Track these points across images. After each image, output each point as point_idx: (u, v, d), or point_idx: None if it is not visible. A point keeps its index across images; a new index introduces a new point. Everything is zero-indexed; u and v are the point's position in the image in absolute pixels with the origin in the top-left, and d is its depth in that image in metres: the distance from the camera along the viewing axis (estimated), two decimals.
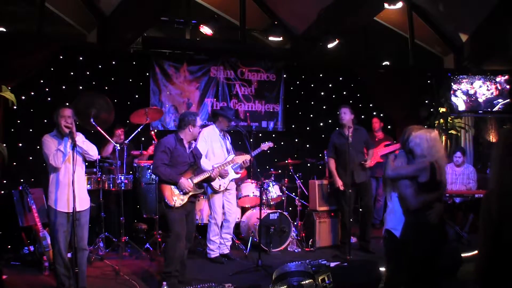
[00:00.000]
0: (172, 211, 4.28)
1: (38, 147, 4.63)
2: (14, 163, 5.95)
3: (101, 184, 5.48)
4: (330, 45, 7.14)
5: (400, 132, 6.52)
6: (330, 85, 7.99)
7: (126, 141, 5.51)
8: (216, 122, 5.50)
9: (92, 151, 4.13)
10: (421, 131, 3.56)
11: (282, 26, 7.71)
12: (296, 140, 7.78)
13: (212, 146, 5.37)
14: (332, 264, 4.32)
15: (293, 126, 7.78)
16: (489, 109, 8.09)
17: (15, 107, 5.70)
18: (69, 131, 3.89)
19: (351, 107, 5.85)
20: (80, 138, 4.03)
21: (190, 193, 4.37)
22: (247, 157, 5.26)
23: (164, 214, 4.37)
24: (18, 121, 6.09)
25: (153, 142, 6.06)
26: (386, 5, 6.49)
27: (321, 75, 7.96)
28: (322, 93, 7.94)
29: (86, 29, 7.07)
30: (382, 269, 4.27)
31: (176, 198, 4.27)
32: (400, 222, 3.54)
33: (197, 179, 4.44)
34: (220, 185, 5.33)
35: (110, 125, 5.46)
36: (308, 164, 7.28)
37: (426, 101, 8.15)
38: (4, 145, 5.02)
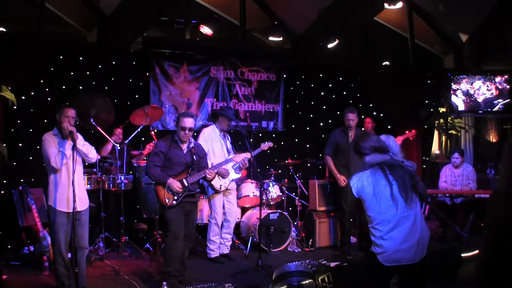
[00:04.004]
0: (167, 210, 4.31)
1: (38, 147, 4.64)
2: (14, 163, 5.95)
3: (101, 184, 5.47)
4: (330, 45, 7.15)
5: (400, 133, 6.60)
6: (330, 85, 7.98)
7: (126, 141, 5.50)
8: (216, 122, 5.50)
9: (92, 154, 4.13)
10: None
11: (282, 26, 7.72)
12: (296, 140, 7.77)
13: (213, 146, 5.36)
14: (332, 264, 4.33)
15: (293, 126, 7.77)
16: (489, 109, 8.07)
17: (15, 107, 5.70)
18: (69, 132, 3.89)
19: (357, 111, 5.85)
20: (80, 142, 4.02)
21: (185, 193, 4.37)
22: (247, 155, 5.22)
23: (162, 214, 4.42)
24: (18, 121, 6.09)
25: (153, 142, 6.06)
26: (386, 5, 6.51)
27: (321, 75, 7.95)
28: (322, 93, 7.93)
29: (86, 29, 7.08)
30: None
31: (169, 198, 4.30)
32: None
33: (191, 180, 4.44)
34: (221, 185, 5.33)
35: (110, 125, 5.48)
36: (308, 164, 7.27)
37: (426, 101, 8.14)
38: (4, 145, 5.02)
